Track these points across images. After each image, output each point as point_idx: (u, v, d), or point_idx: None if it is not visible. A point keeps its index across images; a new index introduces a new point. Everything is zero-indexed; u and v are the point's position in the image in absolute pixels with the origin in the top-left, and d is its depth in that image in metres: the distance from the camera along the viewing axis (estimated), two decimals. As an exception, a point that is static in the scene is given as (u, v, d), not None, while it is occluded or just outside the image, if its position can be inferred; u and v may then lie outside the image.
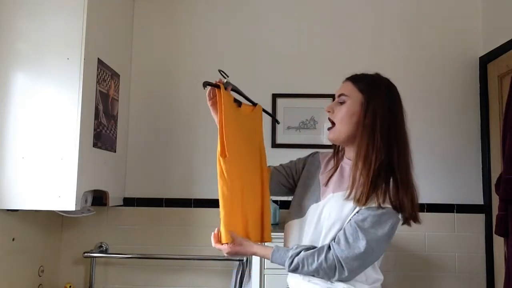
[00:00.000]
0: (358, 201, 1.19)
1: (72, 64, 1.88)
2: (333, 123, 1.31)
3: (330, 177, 1.33)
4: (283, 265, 1.23)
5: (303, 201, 1.35)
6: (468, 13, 2.52)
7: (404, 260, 2.37)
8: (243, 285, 2.18)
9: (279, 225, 2.20)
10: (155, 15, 2.59)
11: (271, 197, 1.46)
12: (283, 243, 1.39)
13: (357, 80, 1.32)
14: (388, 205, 1.18)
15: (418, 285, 2.36)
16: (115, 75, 2.28)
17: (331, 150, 1.44)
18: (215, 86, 1.34)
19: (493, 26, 2.39)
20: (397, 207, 1.20)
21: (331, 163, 1.39)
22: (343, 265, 1.16)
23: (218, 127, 1.31)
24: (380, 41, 2.52)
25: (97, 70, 2.04)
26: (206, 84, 1.35)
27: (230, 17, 2.58)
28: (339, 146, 1.38)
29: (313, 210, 1.29)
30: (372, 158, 1.21)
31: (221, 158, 1.28)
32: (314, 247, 1.22)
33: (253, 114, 1.49)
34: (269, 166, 1.48)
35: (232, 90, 1.43)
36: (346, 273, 1.16)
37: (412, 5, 2.55)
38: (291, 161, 1.50)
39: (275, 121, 1.63)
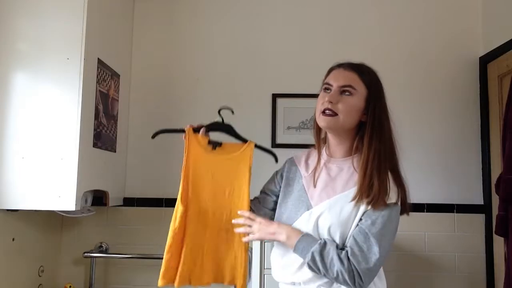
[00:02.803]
0: (372, 204, 1.16)
1: (72, 64, 1.88)
2: (334, 113, 1.22)
3: (315, 179, 1.29)
4: (304, 256, 1.18)
5: (290, 211, 1.30)
6: (468, 13, 2.52)
7: (404, 260, 2.37)
8: (243, 285, 2.18)
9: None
10: (155, 15, 2.59)
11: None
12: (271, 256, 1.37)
13: (362, 73, 1.26)
14: (392, 201, 1.19)
15: (418, 285, 2.36)
16: (115, 75, 2.28)
17: (303, 151, 1.41)
18: (167, 132, 1.40)
19: (493, 26, 2.38)
20: (399, 203, 1.21)
21: (311, 163, 1.34)
22: (362, 276, 1.14)
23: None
24: (380, 41, 2.52)
25: (97, 70, 2.04)
26: (154, 135, 1.41)
27: (230, 17, 2.58)
28: (319, 142, 1.34)
29: (305, 218, 1.24)
30: (382, 158, 1.21)
31: (180, 204, 1.39)
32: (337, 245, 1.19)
33: (239, 154, 1.42)
34: (253, 199, 1.43)
35: (222, 131, 1.43)
36: (365, 282, 1.15)
37: (412, 5, 2.54)
38: (268, 181, 1.46)
39: (274, 158, 1.53)
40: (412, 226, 2.35)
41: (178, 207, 1.38)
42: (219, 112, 1.46)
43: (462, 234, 2.38)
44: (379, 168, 1.19)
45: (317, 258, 1.15)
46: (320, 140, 1.34)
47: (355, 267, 1.14)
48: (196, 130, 1.41)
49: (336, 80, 1.26)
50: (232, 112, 1.46)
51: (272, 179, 1.45)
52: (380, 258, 1.15)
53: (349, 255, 1.15)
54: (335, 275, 1.14)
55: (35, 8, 1.90)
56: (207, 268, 1.36)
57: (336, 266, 1.14)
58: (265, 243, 1.97)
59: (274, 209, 1.40)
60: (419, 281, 2.36)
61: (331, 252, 1.15)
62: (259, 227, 1.26)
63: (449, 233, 2.38)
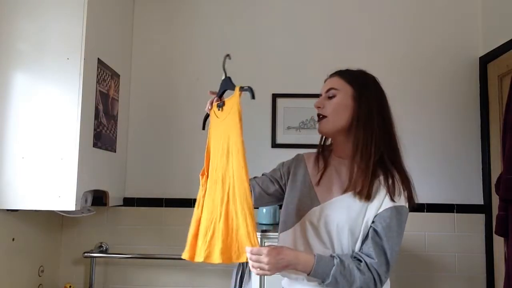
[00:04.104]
0: (359, 194, 1.19)
1: (72, 64, 1.88)
2: (324, 116, 1.28)
3: (322, 177, 1.29)
4: (324, 279, 1.14)
5: (297, 207, 1.29)
6: (468, 13, 2.52)
7: (404, 260, 2.37)
8: (243, 285, 2.18)
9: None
10: (155, 15, 2.59)
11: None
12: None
13: (344, 74, 1.32)
14: (403, 203, 1.20)
15: (418, 285, 2.36)
16: (115, 75, 2.28)
17: (313, 151, 1.41)
18: (207, 117, 1.41)
19: (493, 26, 2.39)
20: (407, 204, 1.22)
21: (320, 162, 1.35)
22: (383, 277, 1.16)
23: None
24: (380, 41, 2.52)
25: (97, 70, 2.04)
26: (204, 126, 1.42)
27: (230, 17, 2.58)
28: (324, 145, 1.36)
29: (314, 215, 1.25)
30: (372, 150, 1.22)
31: (200, 177, 1.36)
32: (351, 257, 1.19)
33: (231, 106, 1.30)
34: (252, 178, 1.39)
35: (225, 90, 1.40)
36: (384, 281, 1.18)
37: (412, 5, 2.55)
38: (273, 169, 1.44)
39: (251, 94, 1.29)
40: (412, 226, 2.35)
41: (200, 189, 1.36)
42: (223, 66, 1.42)
43: (462, 234, 2.38)
44: (367, 160, 1.21)
45: (339, 279, 1.14)
46: (325, 143, 1.38)
47: (377, 272, 1.16)
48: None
49: (323, 89, 1.34)
50: (229, 57, 1.43)
51: (277, 169, 1.44)
52: (394, 258, 1.18)
53: (372, 263, 1.16)
54: (359, 285, 1.16)
55: (35, 9, 1.90)
56: (220, 247, 1.22)
57: (359, 280, 1.15)
58: (265, 242, 1.98)
59: (271, 195, 1.39)
60: (419, 281, 2.36)
61: (350, 267, 1.15)
62: (268, 260, 1.12)
63: (449, 233, 2.38)
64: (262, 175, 1.45)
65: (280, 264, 1.13)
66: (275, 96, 2.49)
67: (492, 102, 2.36)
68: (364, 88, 1.28)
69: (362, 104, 1.25)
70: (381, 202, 1.19)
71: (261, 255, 1.12)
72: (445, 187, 2.41)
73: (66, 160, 1.84)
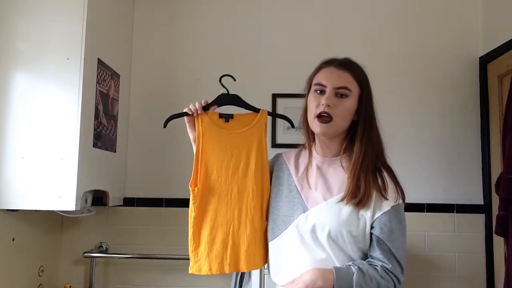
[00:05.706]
0: (358, 206, 1.17)
1: (72, 64, 1.88)
2: (330, 117, 1.20)
3: (307, 180, 1.26)
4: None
5: (284, 213, 1.26)
6: (468, 13, 2.52)
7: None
8: (243, 285, 2.18)
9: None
10: (155, 15, 2.59)
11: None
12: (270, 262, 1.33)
13: (354, 71, 1.24)
14: (399, 202, 1.20)
15: (418, 285, 2.36)
16: (115, 75, 2.28)
17: (293, 149, 1.40)
18: (181, 116, 1.36)
19: (493, 26, 2.38)
20: (401, 201, 1.23)
21: (302, 163, 1.32)
22: (400, 278, 1.18)
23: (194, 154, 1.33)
24: (380, 41, 2.52)
25: (97, 70, 2.04)
26: (165, 124, 1.40)
27: (230, 17, 2.58)
28: (310, 144, 1.32)
29: (301, 221, 1.21)
30: (370, 157, 1.21)
31: (190, 188, 1.32)
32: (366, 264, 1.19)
33: (254, 125, 1.38)
34: None
35: (229, 103, 1.38)
36: (401, 283, 1.19)
37: (412, 5, 2.54)
38: None
39: (289, 123, 1.51)
40: (412, 226, 2.33)
41: (190, 194, 1.33)
42: (220, 81, 1.41)
43: (462, 234, 2.37)
44: (366, 168, 1.19)
45: (364, 285, 1.14)
46: (311, 140, 1.33)
47: (394, 275, 1.17)
48: (205, 108, 1.35)
49: (330, 82, 1.23)
50: (234, 79, 1.43)
51: None
52: (403, 256, 1.19)
53: (386, 266, 1.17)
54: None
55: (35, 9, 1.90)
56: (230, 255, 1.32)
57: (381, 283, 1.16)
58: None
59: None
60: (419, 281, 2.36)
61: (370, 273, 1.15)
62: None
63: (449, 233, 2.38)
64: None
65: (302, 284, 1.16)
66: (275, 96, 2.49)
67: (492, 102, 2.36)
68: (366, 89, 1.25)
69: (363, 107, 1.22)
70: (374, 202, 1.18)
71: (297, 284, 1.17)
72: (445, 187, 2.41)
73: (66, 160, 1.84)
